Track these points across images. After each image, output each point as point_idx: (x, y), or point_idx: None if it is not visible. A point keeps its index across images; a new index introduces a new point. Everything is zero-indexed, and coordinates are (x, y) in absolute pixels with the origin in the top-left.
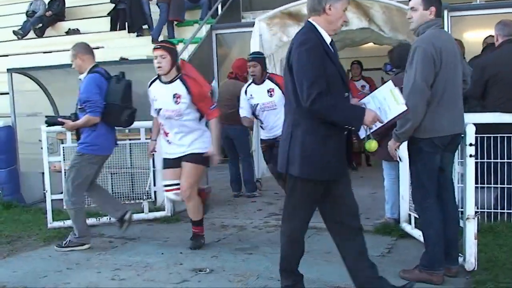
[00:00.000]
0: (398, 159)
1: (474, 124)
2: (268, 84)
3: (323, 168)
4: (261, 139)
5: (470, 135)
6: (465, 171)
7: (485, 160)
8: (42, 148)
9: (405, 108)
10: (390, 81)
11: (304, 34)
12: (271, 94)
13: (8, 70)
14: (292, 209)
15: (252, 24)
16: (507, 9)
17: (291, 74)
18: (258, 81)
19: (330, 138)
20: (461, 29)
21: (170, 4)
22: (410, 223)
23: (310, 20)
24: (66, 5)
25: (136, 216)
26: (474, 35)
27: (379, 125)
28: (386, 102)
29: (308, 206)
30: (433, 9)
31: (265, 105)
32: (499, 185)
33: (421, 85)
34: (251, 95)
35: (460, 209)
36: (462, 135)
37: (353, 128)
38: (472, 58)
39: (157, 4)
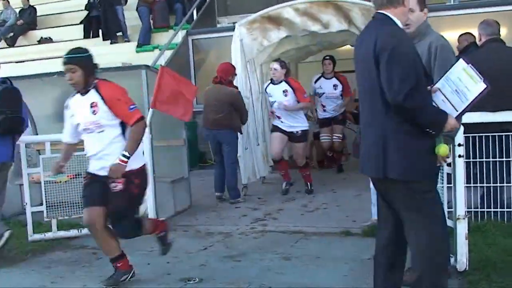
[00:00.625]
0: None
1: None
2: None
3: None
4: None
5: (459, 135)
6: (454, 172)
7: (470, 160)
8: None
9: (484, 85)
10: (461, 59)
11: (392, 28)
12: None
13: None
14: (428, 211)
15: (228, 29)
16: (481, 8)
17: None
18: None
19: (426, 138)
20: (437, 29)
21: (152, 9)
22: None
23: (385, 12)
24: (38, 14)
25: None
26: (450, 35)
27: (462, 108)
28: (462, 82)
29: None
30: (426, 10)
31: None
32: (485, 184)
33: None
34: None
35: (449, 210)
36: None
37: (433, 132)
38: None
39: (136, 9)
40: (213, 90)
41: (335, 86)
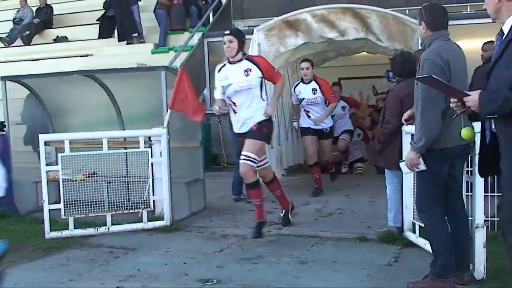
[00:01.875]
0: (420, 167)
1: None
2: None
3: None
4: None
5: (477, 145)
6: (474, 180)
7: None
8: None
9: None
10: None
11: None
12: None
13: (1, 78)
14: None
15: (244, 32)
16: None
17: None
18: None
19: None
20: (454, 38)
21: (170, 12)
22: (414, 231)
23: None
24: (54, 13)
25: (134, 226)
26: (467, 44)
27: None
28: None
29: None
30: (423, 23)
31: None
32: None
33: (435, 98)
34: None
35: (469, 218)
36: (472, 144)
37: None
38: (477, 67)
39: (154, 11)
40: None
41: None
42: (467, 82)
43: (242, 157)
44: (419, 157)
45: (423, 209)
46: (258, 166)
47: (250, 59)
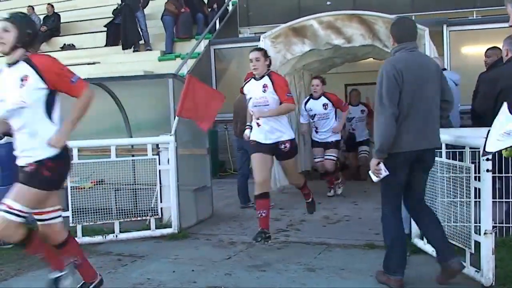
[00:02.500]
0: (382, 174)
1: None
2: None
3: None
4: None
5: None
6: (482, 186)
7: (496, 174)
8: None
9: None
10: None
11: None
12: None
13: None
14: None
15: (250, 39)
16: (504, 23)
17: None
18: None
19: None
20: (460, 43)
21: (177, 19)
22: (422, 238)
23: None
24: (62, 21)
25: (142, 233)
26: (473, 49)
27: None
28: None
29: None
30: (391, 36)
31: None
32: (510, 199)
33: (388, 105)
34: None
35: (477, 224)
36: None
37: None
38: (482, 73)
39: (161, 18)
40: (240, 99)
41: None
42: (429, 87)
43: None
44: (380, 163)
45: (382, 205)
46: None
47: None
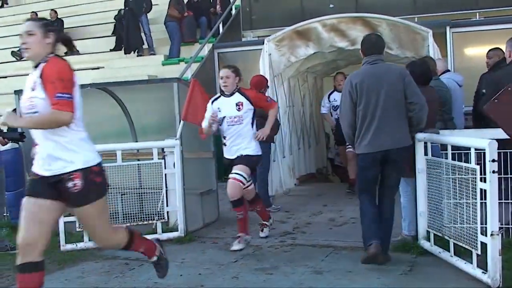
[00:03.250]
0: None
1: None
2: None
3: None
4: None
5: (492, 151)
6: (488, 187)
7: (503, 176)
8: None
9: None
10: None
11: None
12: None
13: (15, 91)
14: None
15: (253, 43)
16: (507, 24)
17: None
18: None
19: None
20: (463, 45)
21: (181, 24)
22: (429, 240)
23: None
24: (65, 26)
25: (149, 237)
26: (476, 51)
27: None
28: None
29: None
30: (362, 50)
31: None
32: None
33: (343, 112)
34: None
35: (483, 225)
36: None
37: None
38: (483, 74)
39: (164, 23)
40: None
41: None
42: (388, 95)
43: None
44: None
45: (358, 192)
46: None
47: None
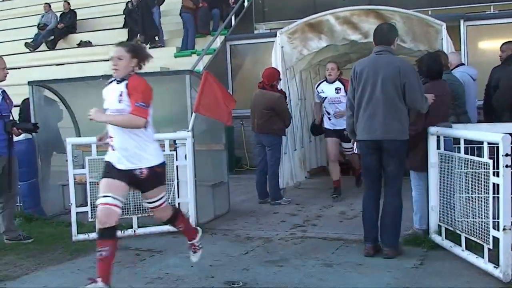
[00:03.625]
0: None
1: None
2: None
3: None
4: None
5: (506, 145)
6: (501, 182)
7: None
8: (66, 160)
9: None
10: None
11: None
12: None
13: (29, 82)
14: None
15: (265, 35)
16: None
17: None
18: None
19: None
20: (477, 38)
21: (196, 15)
22: (440, 234)
23: None
24: (78, 18)
25: (160, 228)
26: (491, 44)
27: None
28: None
29: None
30: (373, 39)
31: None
32: None
33: (347, 97)
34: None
35: (495, 220)
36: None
37: None
38: (494, 67)
39: (180, 14)
40: (258, 95)
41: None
42: (374, 91)
43: None
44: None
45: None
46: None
47: None
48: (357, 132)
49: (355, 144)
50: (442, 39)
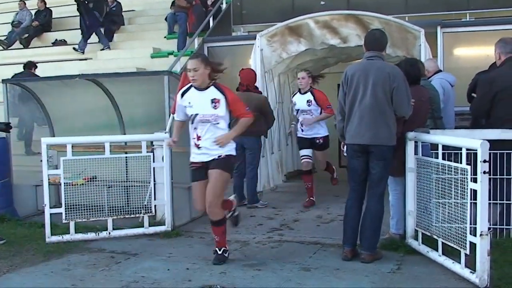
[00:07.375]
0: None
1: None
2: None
3: None
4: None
5: (484, 152)
6: (479, 188)
7: (491, 176)
8: (41, 160)
9: None
10: None
11: None
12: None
13: (3, 81)
14: None
15: (243, 38)
16: (497, 26)
17: None
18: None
19: None
20: (454, 45)
21: (188, 14)
22: (416, 239)
23: None
24: (53, 16)
25: (135, 231)
26: (467, 51)
27: None
28: None
29: None
30: (364, 44)
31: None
32: (504, 201)
33: (338, 102)
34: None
35: (472, 225)
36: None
37: None
38: (478, 73)
39: (174, 13)
40: (244, 98)
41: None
42: (374, 92)
43: None
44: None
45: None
46: None
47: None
48: (346, 136)
49: (345, 148)
50: (420, 45)
